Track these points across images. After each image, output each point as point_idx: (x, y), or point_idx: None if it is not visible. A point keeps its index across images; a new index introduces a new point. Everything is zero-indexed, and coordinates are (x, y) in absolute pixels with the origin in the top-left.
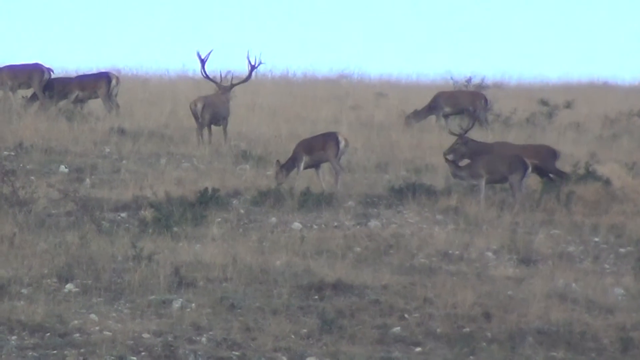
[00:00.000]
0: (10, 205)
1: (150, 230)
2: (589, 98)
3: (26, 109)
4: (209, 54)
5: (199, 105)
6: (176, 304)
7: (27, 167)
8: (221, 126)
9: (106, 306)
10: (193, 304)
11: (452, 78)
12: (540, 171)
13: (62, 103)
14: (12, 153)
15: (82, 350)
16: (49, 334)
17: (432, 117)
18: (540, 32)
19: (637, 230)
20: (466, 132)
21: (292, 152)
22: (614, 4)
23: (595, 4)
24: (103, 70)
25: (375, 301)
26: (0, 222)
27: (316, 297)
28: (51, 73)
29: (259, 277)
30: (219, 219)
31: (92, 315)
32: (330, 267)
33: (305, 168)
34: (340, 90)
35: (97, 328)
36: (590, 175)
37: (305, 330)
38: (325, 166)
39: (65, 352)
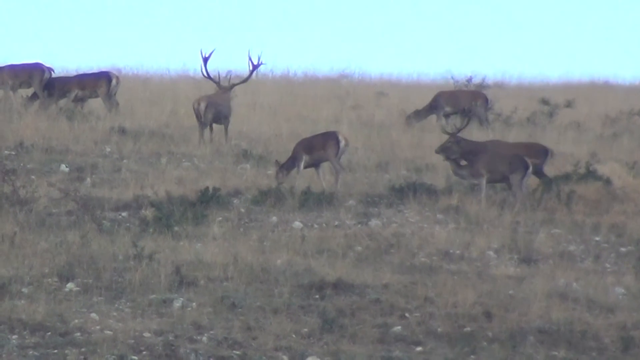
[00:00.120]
0: (11, 205)
1: (151, 230)
2: (589, 97)
3: (27, 108)
4: (211, 53)
5: (202, 105)
6: (177, 303)
7: (28, 166)
8: (222, 125)
9: (107, 305)
10: (194, 303)
11: (452, 77)
12: (535, 170)
13: (62, 102)
14: (13, 152)
15: (82, 349)
16: (49, 333)
17: (433, 117)
18: (540, 32)
19: (637, 230)
20: (459, 130)
21: (292, 151)
22: (615, 3)
23: (596, 3)
24: (103, 70)
25: (376, 300)
26: (1, 221)
27: (317, 296)
28: (52, 72)
29: (259, 276)
30: (220, 218)
31: (93, 315)
32: (331, 266)
33: (305, 167)
34: (341, 89)
35: (98, 327)
36: (590, 174)
37: (306, 330)
38: (325, 165)
39: (66, 351)
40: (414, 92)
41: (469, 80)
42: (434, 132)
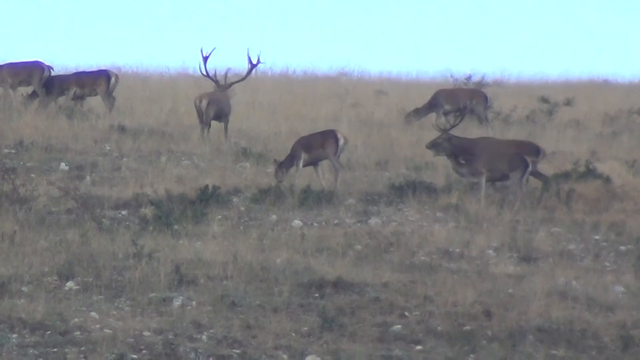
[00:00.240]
0: (10, 203)
1: (151, 228)
2: (589, 95)
3: (26, 107)
4: (211, 51)
5: (204, 102)
6: (177, 302)
7: (28, 164)
8: (222, 123)
9: (107, 304)
10: (194, 302)
11: (452, 76)
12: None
13: (61, 100)
14: (13, 151)
15: (82, 348)
16: (49, 332)
17: (432, 115)
18: (540, 30)
19: (637, 228)
20: (452, 127)
21: (291, 149)
22: (614, 2)
23: (595, 1)
24: (102, 68)
25: (376, 299)
26: (0, 219)
27: (317, 295)
28: (51, 71)
29: (259, 274)
30: (220, 217)
31: (93, 313)
32: (331, 265)
33: (304, 166)
34: (340, 87)
35: (97, 326)
36: (590, 173)
37: (305, 328)
38: (325, 164)
39: (66, 350)
40: (414, 90)
41: (469, 78)
42: (434, 130)
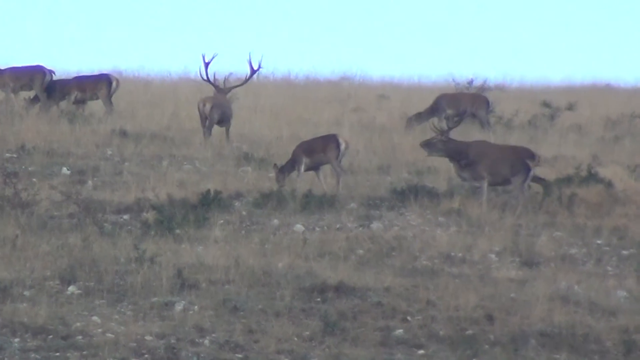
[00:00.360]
0: (12, 207)
1: (153, 232)
2: (591, 100)
3: (28, 111)
4: (212, 58)
5: (208, 106)
6: (179, 306)
7: (29, 169)
8: (224, 127)
9: (109, 308)
10: (195, 306)
11: (454, 80)
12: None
13: (62, 104)
14: (14, 155)
15: (84, 352)
16: (51, 336)
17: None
18: (542, 34)
19: (639, 233)
20: (449, 130)
21: (292, 154)
22: (616, 6)
23: (598, 6)
24: (103, 72)
25: (378, 303)
26: (2, 224)
27: (319, 299)
28: (53, 75)
29: (261, 279)
30: (221, 221)
31: (95, 318)
32: (333, 269)
33: (305, 170)
34: (342, 92)
35: (99, 330)
36: (592, 177)
37: (307, 333)
38: (326, 168)
39: (68, 355)
40: (416, 95)
41: (471, 82)
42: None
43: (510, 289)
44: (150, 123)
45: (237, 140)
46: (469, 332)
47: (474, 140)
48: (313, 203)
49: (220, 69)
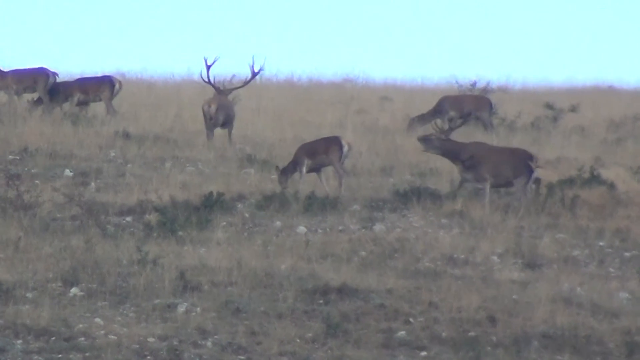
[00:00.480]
0: (15, 209)
1: (155, 234)
2: (594, 102)
3: (31, 113)
4: (215, 60)
5: (213, 107)
6: (181, 308)
7: (32, 171)
8: (226, 129)
9: (111, 310)
10: (198, 308)
11: (457, 82)
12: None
13: (65, 106)
14: (17, 157)
15: (87, 354)
16: (54, 338)
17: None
18: (545, 36)
19: None
20: (452, 130)
21: (294, 155)
22: (619, 8)
23: (600, 7)
24: (106, 74)
25: (381, 305)
26: (5, 226)
27: (321, 301)
28: (56, 77)
29: (263, 281)
30: (224, 223)
31: (97, 319)
32: (335, 271)
33: (307, 172)
34: (345, 94)
35: (102, 332)
36: (595, 179)
37: (310, 335)
38: (329, 170)
39: (71, 356)
40: (418, 96)
41: (473, 84)
42: None
43: (513, 291)
44: (153, 125)
45: (240, 142)
46: (472, 333)
47: (470, 142)
48: (316, 205)
49: (224, 71)
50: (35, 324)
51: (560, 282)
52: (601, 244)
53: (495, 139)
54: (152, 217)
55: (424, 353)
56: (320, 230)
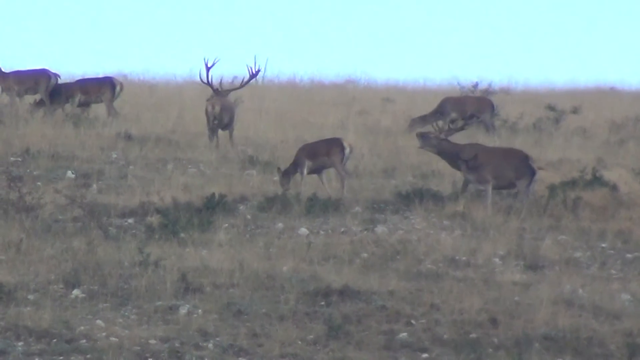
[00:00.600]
0: (17, 211)
1: (157, 236)
2: (595, 103)
3: (33, 115)
4: (215, 63)
5: (217, 108)
6: (183, 310)
7: (34, 172)
8: (227, 131)
9: (113, 312)
10: (200, 310)
11: (458, 83)
12: None
13: (67, 107)
14: (19, 159)
15: (88, 356)
16: (55, 339)
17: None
18: (547, 37)
19: None
20: (453, 132)
21: (294, 157)
22: (621, 9)
23: (602, 9)
24: (107, 75)
25: (382, 307)
26: (7, 227)
27: (323, 303)
28: (58, 78)
29: (265, 283)
30: (226, 225)
31: (99, 321)
32: (337, 273)
33: (308, 173)
34: (347, 95)
35: (103, 334)
36: (597, 180)
37: (312, 336)
38: (331, 171)
39: (72, 358)
40: (420, 98)
41: (475, 86)
42: None
43: (515, 293)
44: (155, 126)
45: (242, 143)
46: (473, 335)
47: (467, 143)
48: (317, 207)
49: (226, 72)
50: (37, 325)
51: (562, 283)
52: (603, 245)
53: (497, 141)
54: (154, 219)
55: (425, 355)
56: (322, 232)
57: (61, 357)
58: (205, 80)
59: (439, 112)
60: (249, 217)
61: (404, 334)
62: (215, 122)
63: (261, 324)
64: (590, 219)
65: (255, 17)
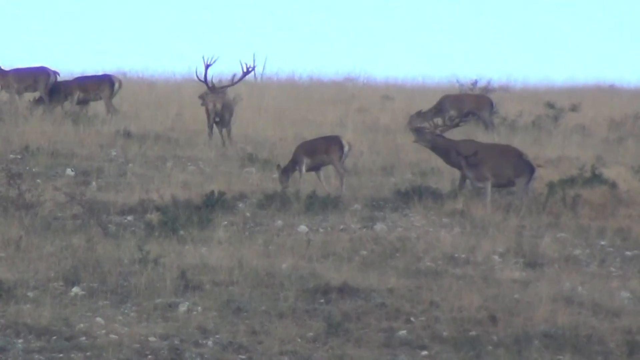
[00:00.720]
0: (16, 209)
1: (157, 234)
2: (595, 101)
3: (32, 112)
4: (214, 61)
5: (218, 105)
6: (182, 307)
7: (33, 170)
8: (226, 128)
9: (112, 309)
10: (199, 307)
11: (458, 81)
12: None
13: (66, 105)
14: (19, 156)
15: (88, 353)
16: (55, 337)
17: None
18: (546, 35)
19: None
20: (447, 128)
21: (293, 154)
22: (620, 7)
23: (602, 6)
24: (106, 73)
25: (382, 304)
26: (6, 225)
27: (322, 300)
28: (57, 76)
29: (265, 280)
30: (225, 222)
31: (98, 319)
32: (337, 271)
33: (307, 171)
34: (346, 93)
35: (103, 331)
36: (596, 178)
37: (311, 334)
38: (330, 169)
39: (72, 356)
40: (420, 95)
41: (474, 83)
42: None
43: (514, 290)
44: (154, 124)
45: (241, 141)
46: (473, 333)
47: (461, 140)
48: (317, 204)
49: (225, 70)
50: (37, 323)
51: (561, 281)
52: (602, 243)
53: (496, 138)
54: (153, 217)
55: (424, 352)
56: (321, 230)
57: (61, 355)
58: (202, 78)
59: (438, 109)
60: (248, 214)
61: (404, 332)
62: (217, 119)
63: (260, 321)
64: (590, 216)
65: (254, 15)
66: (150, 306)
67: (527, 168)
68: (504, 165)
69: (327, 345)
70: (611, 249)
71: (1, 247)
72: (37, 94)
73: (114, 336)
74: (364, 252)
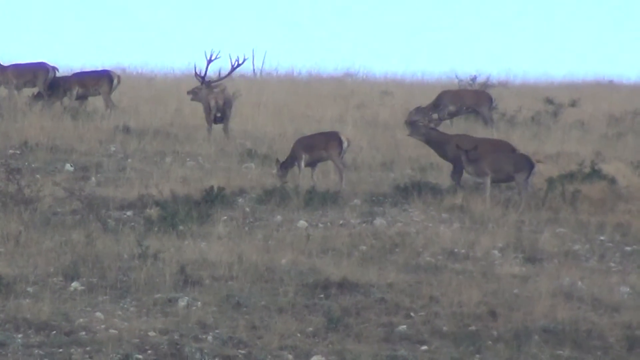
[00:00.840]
0: (15, 204)
1: (156, 229)
2: (594, 97)
3: (31, 108)
4: (217, 56)
5: (220, 101)
6: (182, 302)
7: (33, 165)
8: (224, 123)
9: (112, 304)
10: (199, 302)
11: (457, 76)
12: None
13: (65, 100)
14: (18, 151)
15: (87, 348)
16: (54, 332)
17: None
18: (545, 31)
19: None
20: (440, 120)
21: (291, 150)
22: (620, 3)
23: (601, 2)
24: (105, 68)
25: (381, 299)
26: (6, 220)
27: (322, 295)
28: (56, 71)
29: (264, 275)
30: (225, 218)
31: (98, 314)
32: (336, 266)
33: (305, 166)
34: (346, 88)
35: (102, 326)
36: (595, 174)
37: (311, 329)
38: (329, 164)
39: (71, 350)
40: (419, 91)
41: (474, 79)
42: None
43: (514, 285)
44: (153, 119)
45: (241, 136)
46: (472, 328)
47: (455, 134)
48: (316, 199)
49: (224, 65)
50: (36, 318)
51: (560, 276)
52: (602, 238)
53: (495, 134)
54: (152, 212)
55: (424, 347)
56: (320, 225)
57: (60, 349)
58: (200, 73)
59: (437, 105)
60: (247, 209)
61: (403, 327)
62: (218, 114)
63: (260, 316)
64: (589, 212)
65: (254, 11)
66: (149, 301)
67: (526, 163)
68: (502, 160)
69: (326, 340)
70: (610, 244)
71: (1, 242)
72: (36, 90)
73: (113, 331)
74: (364, 247)
